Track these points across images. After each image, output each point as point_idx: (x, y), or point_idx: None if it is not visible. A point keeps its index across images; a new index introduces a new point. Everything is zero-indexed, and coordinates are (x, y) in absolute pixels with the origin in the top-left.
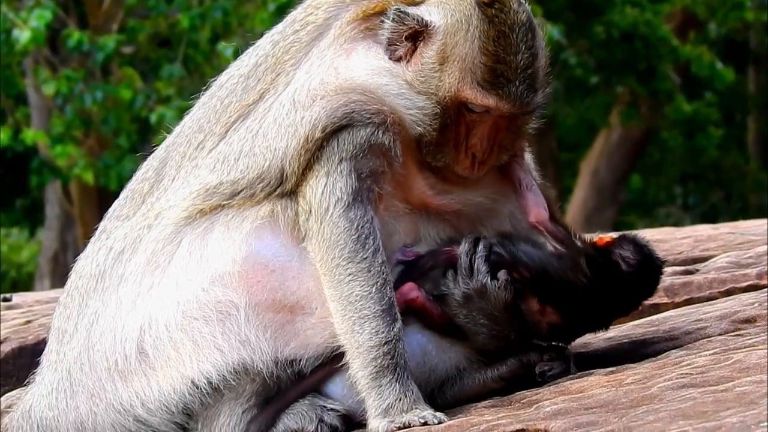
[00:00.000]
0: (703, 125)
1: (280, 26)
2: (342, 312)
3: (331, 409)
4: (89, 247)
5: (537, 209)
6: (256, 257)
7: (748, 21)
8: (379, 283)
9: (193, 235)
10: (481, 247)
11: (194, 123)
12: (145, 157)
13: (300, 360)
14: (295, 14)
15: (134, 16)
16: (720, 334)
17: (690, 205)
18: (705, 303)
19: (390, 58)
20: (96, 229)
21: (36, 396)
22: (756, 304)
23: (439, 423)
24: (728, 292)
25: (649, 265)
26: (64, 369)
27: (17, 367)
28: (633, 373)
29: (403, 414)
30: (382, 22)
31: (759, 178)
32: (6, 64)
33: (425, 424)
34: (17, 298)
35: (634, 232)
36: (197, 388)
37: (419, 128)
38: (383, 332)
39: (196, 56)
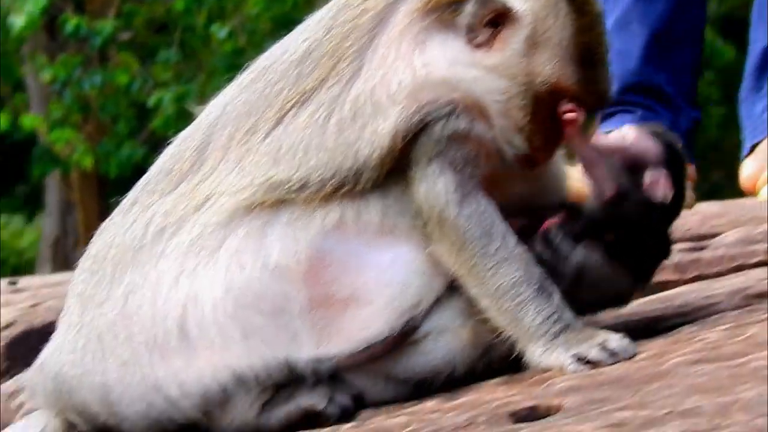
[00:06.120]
0: (703, 104)
1: (326, 11)
2: (497, 306)
3: (344, 388)
4: (118, 217)
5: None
6: (320, 255)
7: None
8: (522, 266)
9: (252, 226)
10: (552, 234)
11: (240, 105)
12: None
13: (337, 356)
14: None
15: (131, 1)
16: (732, 309)
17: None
18: (715, 279)
19: (469, 46)
20: (110, 204)
21: (55, 352)
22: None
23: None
24: (738, 269)
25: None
26: (94, 333)
27: (25, 351)
28: (645, 349)
29: (590, 347)
30: (455, 10)
31: None
32: (3, 51)
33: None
34: (23, 281)
35: None
36: (239, 379)
37: (502, 110)
38: (546, 308)
39: (192, 41)
